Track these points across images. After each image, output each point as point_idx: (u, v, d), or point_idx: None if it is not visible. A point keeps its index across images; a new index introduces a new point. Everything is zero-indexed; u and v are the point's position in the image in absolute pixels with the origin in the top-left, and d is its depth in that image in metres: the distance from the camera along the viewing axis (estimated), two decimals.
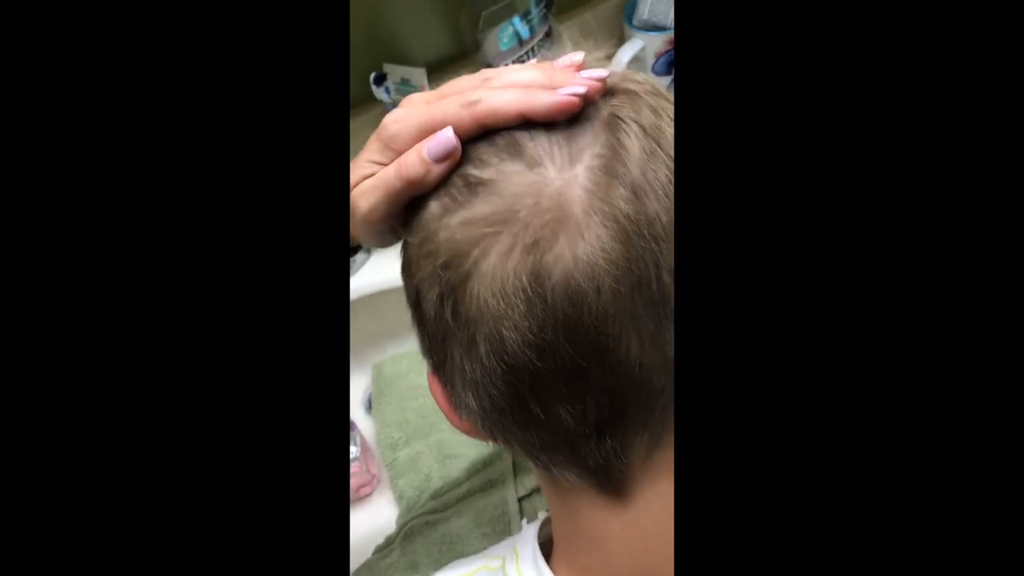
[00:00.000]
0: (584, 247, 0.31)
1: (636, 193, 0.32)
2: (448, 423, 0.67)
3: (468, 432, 0.39)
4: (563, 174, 0.32)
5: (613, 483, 0.36)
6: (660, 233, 0.32)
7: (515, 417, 0.34)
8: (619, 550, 0.37)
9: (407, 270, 0.36)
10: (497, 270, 0.31)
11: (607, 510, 0.37)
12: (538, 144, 0.33)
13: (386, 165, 0.36)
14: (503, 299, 0.31)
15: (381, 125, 0.36)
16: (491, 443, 0.38)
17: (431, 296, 0.34)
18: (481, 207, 0.32)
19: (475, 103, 0.34)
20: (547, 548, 0.42)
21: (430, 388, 0.39)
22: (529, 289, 0.31)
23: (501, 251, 0.31)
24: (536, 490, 0.66)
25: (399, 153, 0.35)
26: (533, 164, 0.32)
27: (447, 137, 0.33)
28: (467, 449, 0.80)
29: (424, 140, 0.34)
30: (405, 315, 0.37)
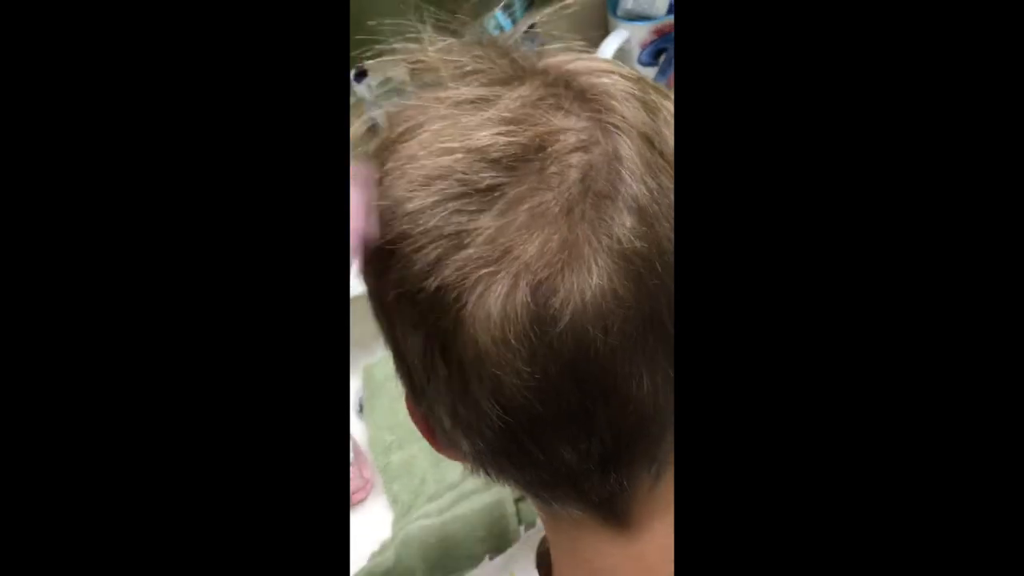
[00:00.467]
0: (592, 288, 0.28)
1: (644, 220, 0.29)
2: None
3: (454, 459, 0.37)
4: (558, 201, 0.29)
5: (618, 515, 0.34)
6: (671, 261, 0.29)
7: (512, 459, 0.32)
8: None
9: (380, 307, 0.33)
10: (496, 314, 0.29)
11: (611, 543, 0.35)
12: (518, 177, 0.29)
13: None
14: (504, 345, 0.29)
15: None
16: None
17: (415, 339, 0.31)
18: (471, 248, 0.29)
19: None
20: (544, 568, 0.40)
21: (408, 412, 0.36)
22: (533, 336, 0.29)
23: (500, 293, 0.29)
24: None
25: None
26: (519, 198, 0.29)
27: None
28: None
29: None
30: None
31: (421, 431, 0.37)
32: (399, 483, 0.81)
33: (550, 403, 0.30)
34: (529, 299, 0.28)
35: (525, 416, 0.30)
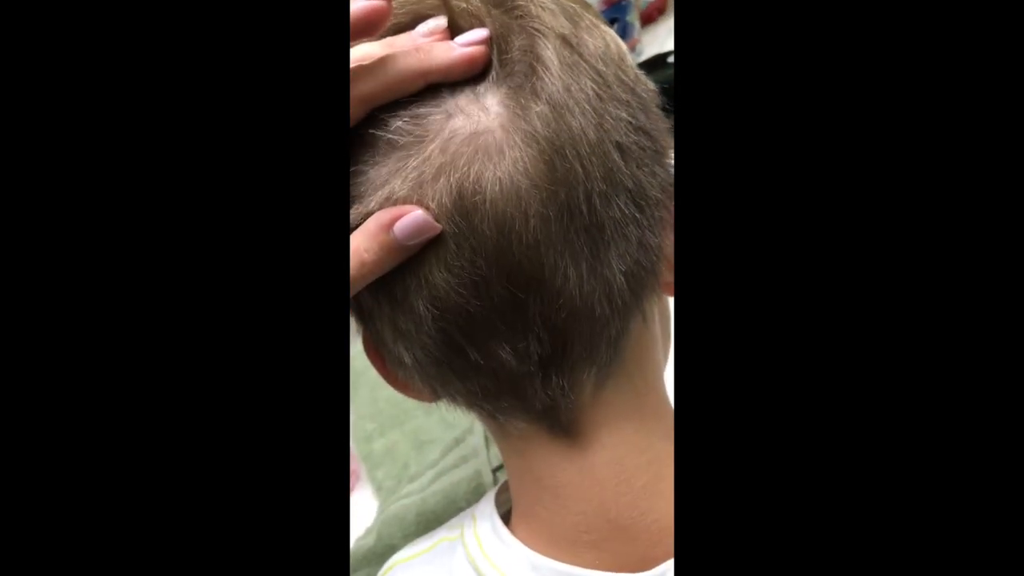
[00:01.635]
0: (509, 173, 0.30)
1: (555, 108, 0.30)
2: (421, 408, 0.65)
3: (406, 391, 0.37)
4: (479, 98, 0.31)
5: (563, 425, 0.34)
6: (585, 152, 0.30)
7: (453, 367, 0.33)
8: (576, 497, 0.35)
9: None
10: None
11: (560, 456, 0.35)
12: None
13: None
14: (435, 240, 0.30)
15: None
16: (435, 402, 0.37)
17: None
18: (404, 157, 0.31)
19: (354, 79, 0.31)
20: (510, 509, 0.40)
21: (367, 355, 0.37)
22: (458, 226, 0.30)
23: (428, 188, 0.30)
24: None
25: None
26: (447, 103, 0.31)
27: (418, 219, 0.30)
28: (443, 432, 0.79)
29: (379, 221, 0.30)
30: None
31: (375, 366, 0.37)
32: (382, 470, 0.81)
33: (483, 297, 0.31)
34: (454, 189, 0.30)
35: (461, 316, 0.31)
